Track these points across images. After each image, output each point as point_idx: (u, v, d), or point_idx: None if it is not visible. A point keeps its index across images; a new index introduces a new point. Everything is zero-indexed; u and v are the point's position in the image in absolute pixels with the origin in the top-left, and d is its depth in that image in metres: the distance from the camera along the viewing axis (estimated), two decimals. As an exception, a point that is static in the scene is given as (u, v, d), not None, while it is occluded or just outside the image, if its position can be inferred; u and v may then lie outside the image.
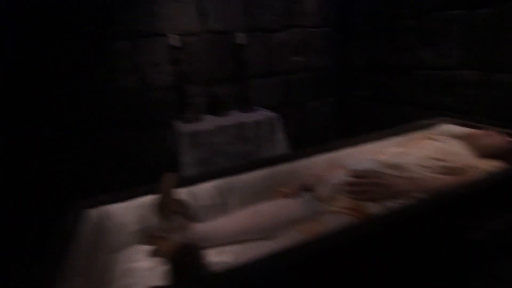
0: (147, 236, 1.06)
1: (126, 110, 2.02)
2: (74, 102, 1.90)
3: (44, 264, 0.82)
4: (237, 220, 1.07)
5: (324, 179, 1.13)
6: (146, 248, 1.06)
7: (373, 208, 0.95)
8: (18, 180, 1.85)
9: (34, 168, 1.89)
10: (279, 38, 2.37)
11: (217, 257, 0.98)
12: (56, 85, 1.85)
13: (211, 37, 2.15)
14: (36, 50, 1.78)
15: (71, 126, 1.92)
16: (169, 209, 1.01)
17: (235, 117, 2.14)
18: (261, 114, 2.17)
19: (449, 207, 0.93)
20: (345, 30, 2.59)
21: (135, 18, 1.93)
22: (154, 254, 1.05)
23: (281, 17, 2.34)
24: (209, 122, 2.06)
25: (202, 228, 1.04)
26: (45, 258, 0.84)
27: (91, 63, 1.90)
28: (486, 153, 1.19)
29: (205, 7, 2.09)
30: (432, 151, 1.19)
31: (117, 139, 2.05)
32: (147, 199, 1.08)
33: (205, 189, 1.15)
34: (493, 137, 1.23)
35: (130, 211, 1.08)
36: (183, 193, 1.11)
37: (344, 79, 2.69)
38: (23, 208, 1.84)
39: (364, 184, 1.00)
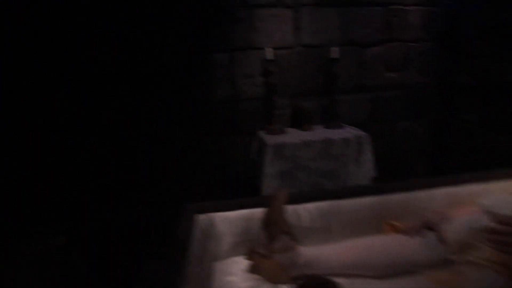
0: (248, 250, 1.05)
1: (217, 118, 2.13)
2: (172, 109, 2.08)
3: (164, 268, 0.86)
4: (346, 251, 0.98)
5: (452, 218, 0.96)
6: (245, 262, 1.06)
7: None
8: (124, 185, 2.09)
9: (133, 172, 2.11)
10: (373, 53, 2.23)
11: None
12: (159, 94, 2.05)
13: (304, 50, 2.14)
14: (144, 59, 2.00)
15: (168, 132, 2.10)
16: (277, 227, 0.99)
17: (320, 133, 2.06)
18: (349, 132, 2.05)
19: None
20: (452, 45, 2.30)
21: (234, 32, 2.04)
22: (252, 270, 1.03)
23: (379, 31, 2.19)
24: (294, 136, 2.03)
25: (308, 253, 0.98)
26: (164, 261, 0.89)
27: (191, 73, 2.06)
28: None
29: (302, 21, 2.09)
30: None
31: (205, 146, 2.17)
32: (253, 212, 1.08)
33: (307, 210, 1.10)
34: None
35: (234, 221, 1.09)
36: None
37: (446, 99, 2.38)
38: (130, 209, 2.07)
39: (517, 236, 0.81)
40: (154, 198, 2.12)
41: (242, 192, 2.21)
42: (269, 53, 2.01)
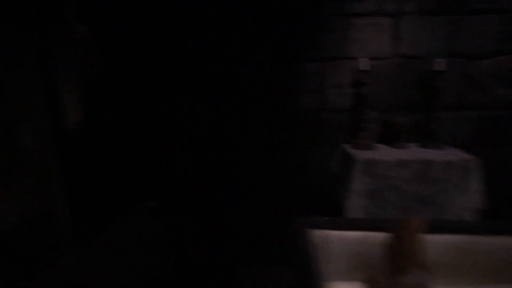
0: (368, 277, 0.95)
1: (300, 128, 2.08)
2: (259, 118, 2.09)
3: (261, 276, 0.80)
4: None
5: None
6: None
7: None
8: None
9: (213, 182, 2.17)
10: (484, 66, 1.96)
11: None
12: (247, 102, 2.08)
13: (401, 61, 1.97)
14: (233, 67, 2.05)
15: (251, 141, 2.11)
16: (409, 258, 0.87)
17: (416, 152, 1.86)
18: (452, 154, 1.81)
19: None
20: None
21: (327, 41, 1.98)
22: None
23: (493, 42, 1.93)
24: (385, 153, 1.87)
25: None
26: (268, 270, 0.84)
27: (278, 82, 2.05)
28: None
29: (402, 31, 1.94)
30: None
31: (285, 155, 2.12)
32: (372, 235, 0.97)
33: (439, 242, 0.95)
34: None
35: (350, 242, 1.00)
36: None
37: None
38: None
39: None
40: (232, 203, 2.14)
41: (319, 206, 2.11)
42: (364, 63, 1.90)
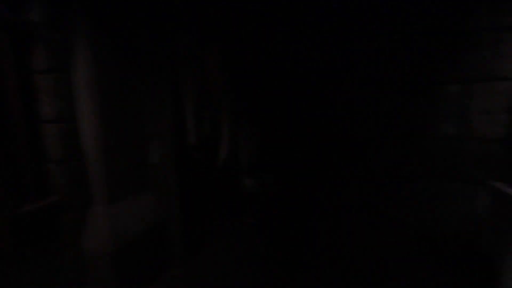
0: None
1: (432, 159, 1.78)
2: (385, 144, 1.87)
3: None
4: None
5: None
6: None
7: None
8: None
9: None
10: None
11: None
12: (375, 126, 1.89)
13: None
14: (359, 90, 1.89)
15: (374, 168, 1.89)
16: None
17: None
18: None
19: None
20: None
21: (474, 59, 1.69)
22: None
23: None
24: None
25: None
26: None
27: (411, 105, 1.81)
28: None
29: None
30: None
31: (412, 190, 1.83)
32: None
33: None
34: None
35: None
36: None
37: None
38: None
39: None
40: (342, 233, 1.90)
41: (454, 255, 1.72)
42: (529, 85, 1.56)
